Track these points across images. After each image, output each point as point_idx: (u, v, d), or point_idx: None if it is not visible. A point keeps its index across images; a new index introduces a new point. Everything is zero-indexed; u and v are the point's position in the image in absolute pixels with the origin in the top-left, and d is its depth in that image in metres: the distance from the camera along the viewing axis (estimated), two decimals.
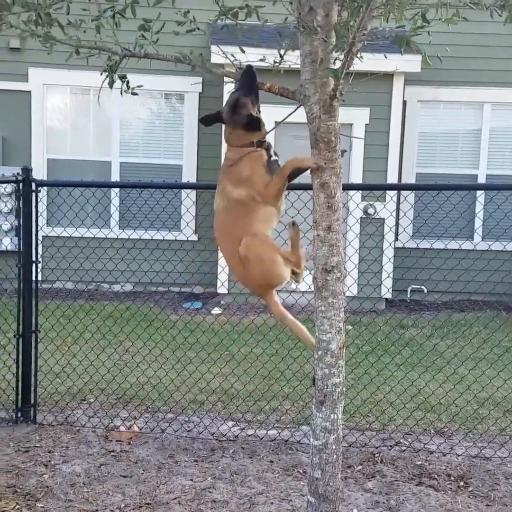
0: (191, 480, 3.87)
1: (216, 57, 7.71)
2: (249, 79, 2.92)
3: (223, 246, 3.23)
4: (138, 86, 2.82)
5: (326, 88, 2.63)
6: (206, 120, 3.14)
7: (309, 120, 2.75)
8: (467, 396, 5.10)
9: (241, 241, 3.07)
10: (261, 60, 2.81)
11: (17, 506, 3.51)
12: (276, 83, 2.86)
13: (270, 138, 10.36)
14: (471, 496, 3.77)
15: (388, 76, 9.01)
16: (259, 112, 3.04)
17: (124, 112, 10.15)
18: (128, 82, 2.81)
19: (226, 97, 10.36)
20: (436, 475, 3.99)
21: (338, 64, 2.61)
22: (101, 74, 2.72)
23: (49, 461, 4.10)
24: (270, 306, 3.24)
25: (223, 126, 3.11)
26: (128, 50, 2.68)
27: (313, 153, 2.80)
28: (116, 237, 7.77)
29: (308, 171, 2.90)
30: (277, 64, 2.79)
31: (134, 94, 2.83)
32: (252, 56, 2.97)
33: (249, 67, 2.92)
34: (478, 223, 9.69)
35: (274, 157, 3.11)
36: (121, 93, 2.83)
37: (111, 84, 2.73)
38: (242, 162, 3.03)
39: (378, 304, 8.91)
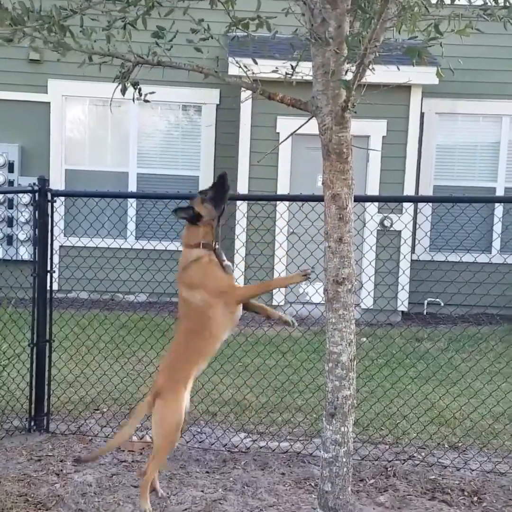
0: (202, 491, 3.85)
1: (234, 69, 7.77)
2: (216, 183, 3.20)
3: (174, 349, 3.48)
4: (150, 93, 2.84)
5: (338, 99, 2.63)
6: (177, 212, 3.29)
7: (321, 132, 2.75)
8: (482, 410, 5.04)
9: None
10: (273, 71, 2.82)
11: None
12: (288, 95, 2.87)
13: (286, 149, 10.31)
14: None
15: (406, 88, 9.00)
16: (216, 211, 3.19)
17: (141, 124, 10.24)
18: (140, 89, 2.84)
19: (243, 108, 10.37)
20: (449, 490, 3.94)
21: (350, 76, 2.61)
22: (114, 81, 2.75)
23: (61, 470, 4.11)
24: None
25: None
26: (141, 57, 2.71)
27: (325, 164, 2.80)
28: (130, 247, 7.80)
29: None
30: (289, 75, 2.80)
31: (146, 101, 2.85)
32: (267, 67, 2.99)
33: (223, 174, 3.19)
34: (495, 236, 9.61)
35: (226, 262, 3.24)
36: (133, 100, 2.86)
37: (123, 91, 2.76)
38: (193, 267, 3.19)
39: (394, 316, 8.85)
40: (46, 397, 4.78)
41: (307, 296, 8.52)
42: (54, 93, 9.99)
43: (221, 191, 3.20)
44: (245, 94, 9.27)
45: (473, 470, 4.24)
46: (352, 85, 2.48)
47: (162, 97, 9.57)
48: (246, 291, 3.34)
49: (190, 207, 3.24)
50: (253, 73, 2.80)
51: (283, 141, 3.16)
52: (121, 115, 10.18)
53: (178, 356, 3.44)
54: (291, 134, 3.05)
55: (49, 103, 10.00)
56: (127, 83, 2.75)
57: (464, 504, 3.80)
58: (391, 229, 9.02)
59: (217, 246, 3.24)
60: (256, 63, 2.90)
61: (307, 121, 2.84)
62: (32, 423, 4.74)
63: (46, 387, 4.78)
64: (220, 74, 2.82)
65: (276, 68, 2.82)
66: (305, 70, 2.93)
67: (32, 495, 3.74)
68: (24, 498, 3.70)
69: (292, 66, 2.82)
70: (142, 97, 2.82)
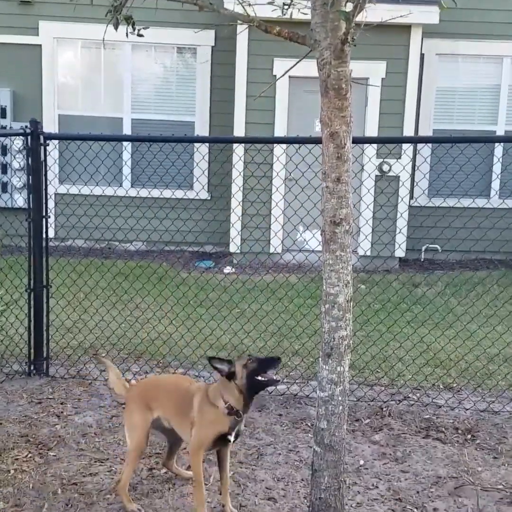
0: None
1: (230, 5, 7.54)
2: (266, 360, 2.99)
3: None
4: (143, 28, 2.74)
5: (337, 32, 2.54)
6: None
7: (320, 66, 2.66)
8: (477, 351, 5.09)
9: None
10: (269, 3, 2.72)
11: (30, 455, 3.58)
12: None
13: (283, 93, 10.13)
14: (478, 449, 3.78)
15: (406, 28, 8.77)
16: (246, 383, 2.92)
17: (135, 67, 10.00)
18: (134, 23, 2.73)
19: (239, 50, 10.06)
20: (443, 429, 4.01)
21: (350, 7, 2.52)
22: (106, 15, 2.64)
23: (62, 412, 4.17)
24: None
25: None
26: None
27: (323, 101, 2.72)
28: (125, 193, 7.71)
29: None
30: (286, 6, 2.70)
31: (139, 36, 2.75)
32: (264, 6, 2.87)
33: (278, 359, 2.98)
34: (494, 176, 9.54)
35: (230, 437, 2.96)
36: (126, 35, 2.76)
37: (116, 25, 2.66)
38: (202, 410, 2.99)
39: (391, 262, 8.85)
40: (45, 342, 4.81)
41: (304, 242, 8.51)
42: (45, 35, 9.72)
43: (265, 367, 2.92)
44: (241, 36, 8.93)
45: (467, 409, 4.32)
46: (352, 17, 2.39)
47: (156, 39, 9.33)
48: (195, 465, 3.00)
49: (229, 360, 2.97)
50: (249, 4, 2.69)
51: (281, 76, 3.06)
52: (115, 59, 9.94)
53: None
54: (290, 68, 2.96)
55: (40, 45, 9.74)
56: (120, 17, 2.64)
57: (458, 441, 3.87)
58: (390, 174, 8.93)
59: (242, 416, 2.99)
60: None
61: (304, 56, 2.75)
62: (32, 367, 4.78)
63: (44, 332, 4.81)
64: (215, 6, 2.71)
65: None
66: (301, 8, 2.82)
67: (33, 436, 3.80)
68: (25, 439, 3.76)
69: None
70: (136, 31, 2.72)
